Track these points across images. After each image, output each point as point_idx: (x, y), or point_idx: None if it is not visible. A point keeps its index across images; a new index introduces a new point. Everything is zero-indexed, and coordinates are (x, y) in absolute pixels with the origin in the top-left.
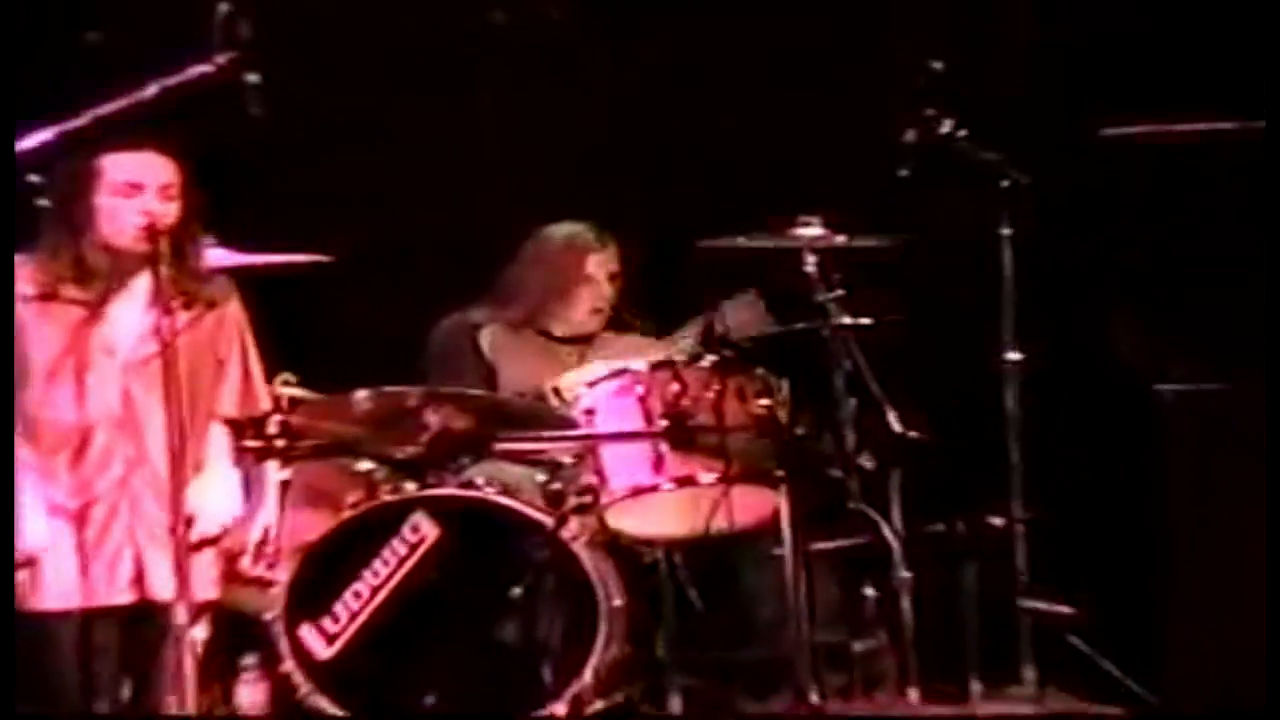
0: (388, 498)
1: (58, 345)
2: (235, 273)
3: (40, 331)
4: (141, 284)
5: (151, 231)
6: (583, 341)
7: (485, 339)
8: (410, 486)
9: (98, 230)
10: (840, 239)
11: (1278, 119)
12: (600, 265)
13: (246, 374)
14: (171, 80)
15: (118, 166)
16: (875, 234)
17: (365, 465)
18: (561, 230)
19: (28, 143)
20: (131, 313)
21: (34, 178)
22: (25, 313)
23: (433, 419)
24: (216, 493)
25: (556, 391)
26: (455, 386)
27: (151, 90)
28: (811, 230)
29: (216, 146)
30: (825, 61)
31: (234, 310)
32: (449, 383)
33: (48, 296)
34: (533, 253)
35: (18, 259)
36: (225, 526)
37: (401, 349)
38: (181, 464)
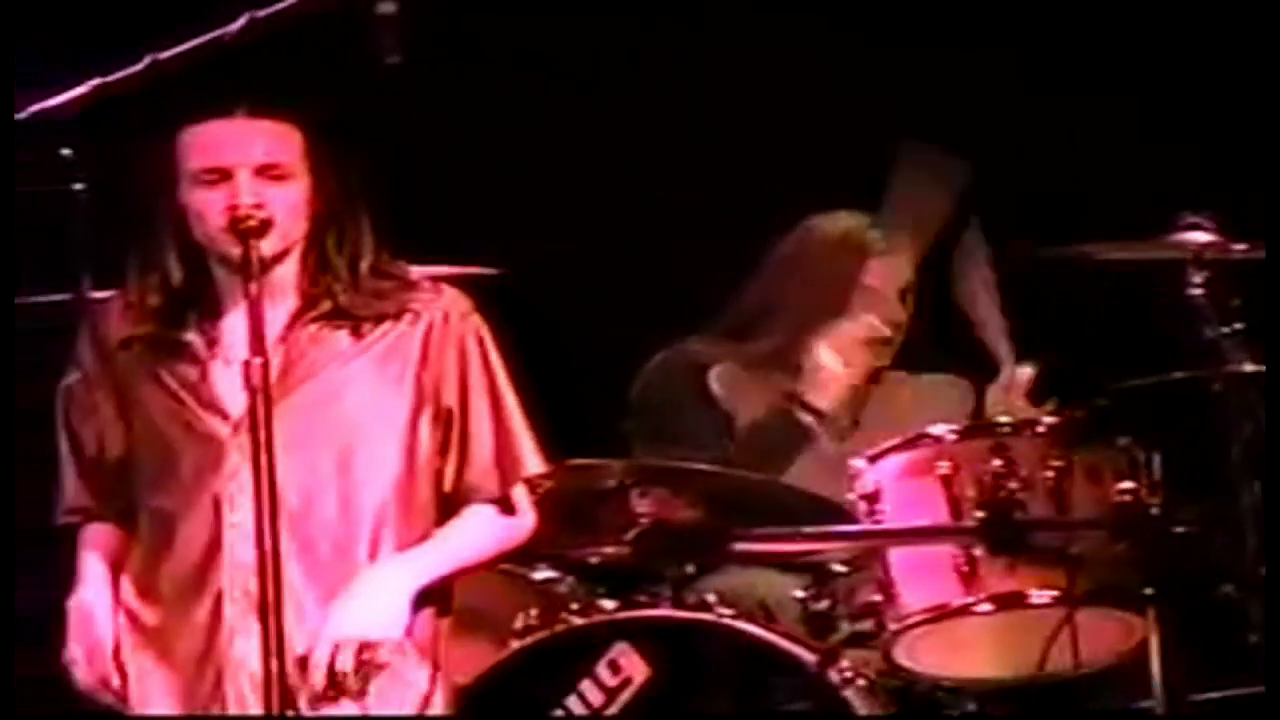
0: (576, 621)
1: (141, 406)
2: None
3: (111, 388)
4: (277, 305)
5: (239, 228)
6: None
7: (717, 384)
8: (608, 605)
9: (189, 239)
10: (1241, 247)
11: None
12: (887, 275)
13: (501, 426)
14: (266, 10)
15: (192, 145)
16: None
17: (544, 574)
18: (832, 224)
19: (51, 102)
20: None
21: (66, 152)
22: (97, 367)
23: (642, 506)
24: (371, 604)
25: (804, 404)
26: (675, 458)
27: (239, 24)
28: (1200, 236)
29: (335, 113)
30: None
31: (462, 328)
32: (666, 451)
33: (127, 342)
34: (788, 255)
35: (109, 297)
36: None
37: (595, 402)
38: (274, 580)
